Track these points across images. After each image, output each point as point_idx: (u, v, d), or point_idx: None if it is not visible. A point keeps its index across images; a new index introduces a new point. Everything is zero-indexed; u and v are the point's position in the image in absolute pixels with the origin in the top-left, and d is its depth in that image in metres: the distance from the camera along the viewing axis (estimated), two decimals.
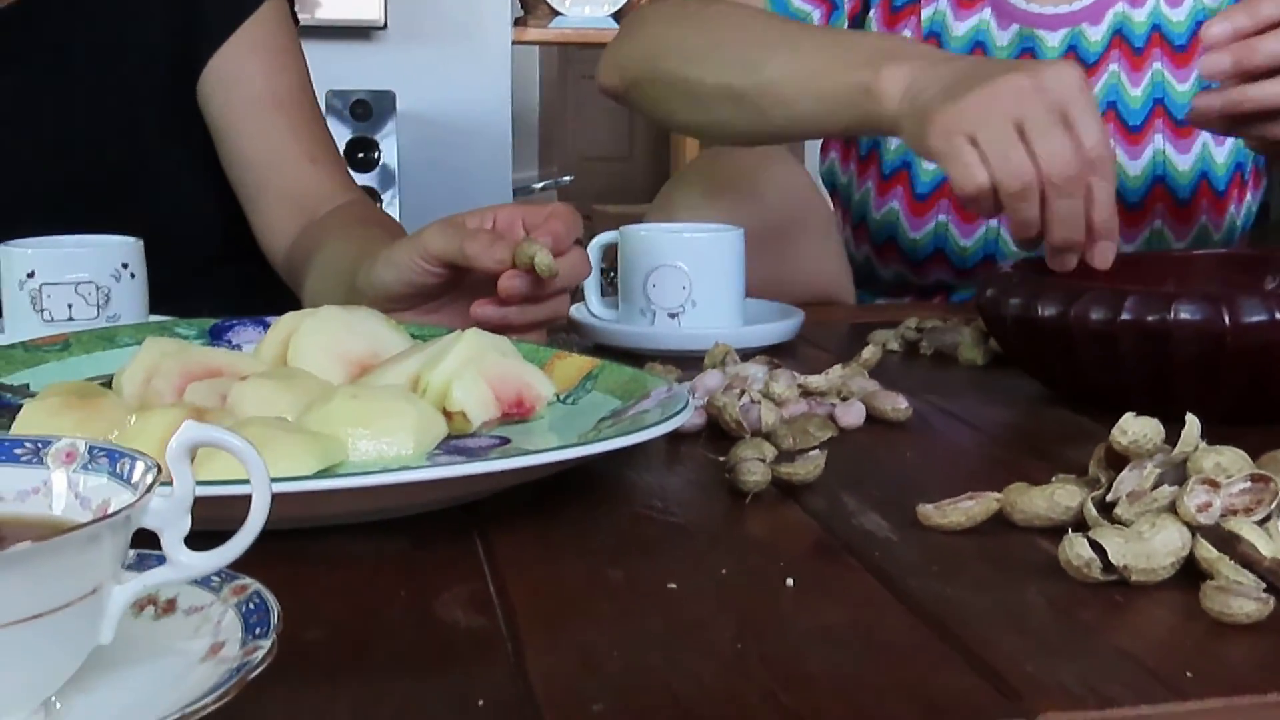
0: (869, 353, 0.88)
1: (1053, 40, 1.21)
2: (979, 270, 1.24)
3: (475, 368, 0.73)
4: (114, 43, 1.20)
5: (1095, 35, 1.21)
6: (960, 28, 1.22)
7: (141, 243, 0.96)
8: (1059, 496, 0.59)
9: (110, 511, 0.37)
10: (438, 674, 0.46)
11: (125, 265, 0.94)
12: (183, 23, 1.20)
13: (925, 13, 1.22)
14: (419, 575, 0.55)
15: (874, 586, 0.54)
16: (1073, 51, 1.21)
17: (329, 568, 0.56)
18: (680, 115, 1.14)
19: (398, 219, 3.11)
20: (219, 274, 1.31)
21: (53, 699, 0.40)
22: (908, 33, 1.22)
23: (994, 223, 1.22)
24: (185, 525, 0.39)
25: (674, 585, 0.53)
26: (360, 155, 3.06)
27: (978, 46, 1.22)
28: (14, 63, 1.17)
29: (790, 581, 0.54)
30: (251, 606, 0.42)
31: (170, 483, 0.41)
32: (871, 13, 1.23)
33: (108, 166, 1.22)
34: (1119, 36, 1.21)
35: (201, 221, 1.28)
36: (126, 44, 1.20)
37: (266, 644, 0.39)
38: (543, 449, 0.65)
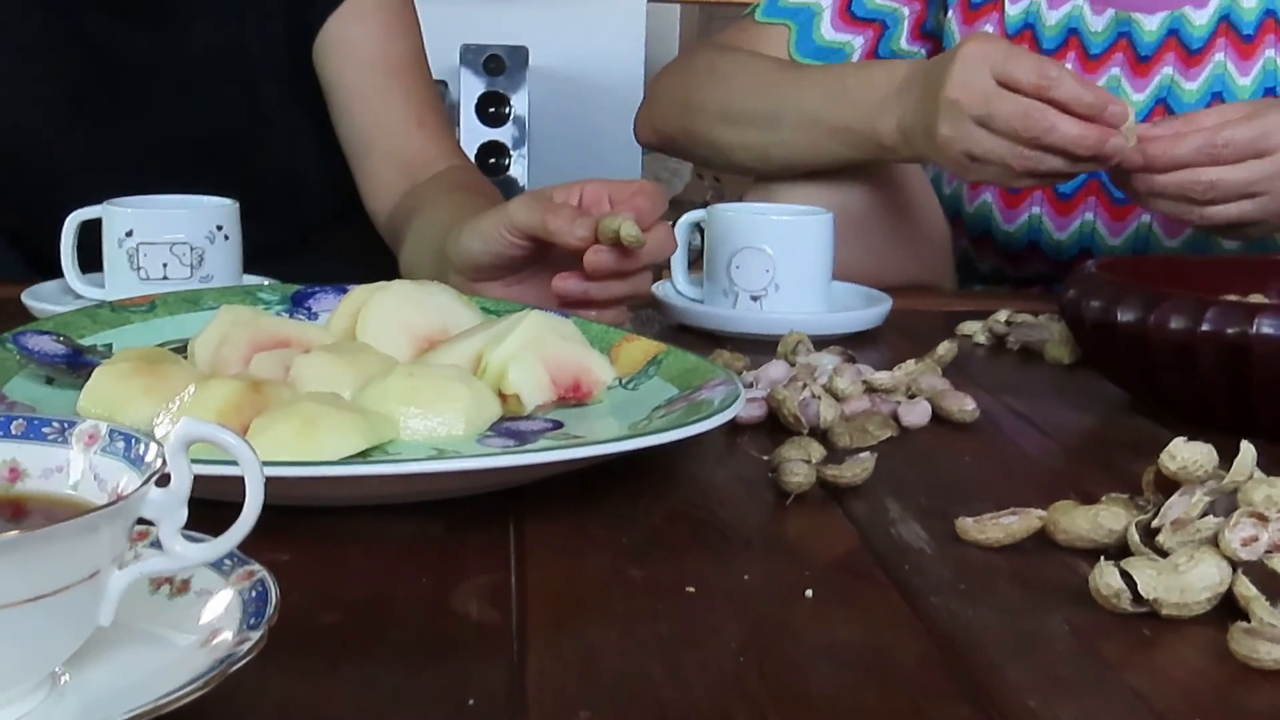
0: (944, 349, 0.86)
1: (1151, 24, 1.16)
2: (1075, 262, 1.21)
3: (533, 351, 0.73)
4: (235, 5, 1.23)
5: (1200, 19, 1.15)
6: (1053, 15, 1.18)
7: (236, 205, 0.99)
8: (1103, 518, 0.58)
9: (110, 501, 0.38)
10: (437, 668, 0.47)
11: (220, 227, 0.96)
12: None
13: (1015, 8, 1.19)
14: (445, 562, 0.56)
15: (894, 603, 0.53)
16: (1173, 36, 1.15)
17: (359, 548, 0.57)
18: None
19: (526, 174, 3.15)
20: (336, 234, 1.34)
21: (61, 674, 0.42)
22: (989, 28, 1.19)
23: (1089, 215, 1.19)
24: (182, 516, 0.41)
25: (692, 589, 0.53)
26: (491, 110, 3.09)
27: (1071, 34, 1.18)
28: (141, 23, 1.21)
29: (809, 593, 0.53)
30: (254, 594, 0.44)
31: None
32: (950, 12, 1.22)
33: (227, 127, 1.25)
34: (1226, 23, 1.15)
35: (317, 182, 1.31)
36: (246, 6, 1.23)
37: (255, 635, 0.40)
38: (585, 440, 0.66)
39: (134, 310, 0.83)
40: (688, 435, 0.62)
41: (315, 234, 1.31)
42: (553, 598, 0.52)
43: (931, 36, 1.26)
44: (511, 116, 3.11)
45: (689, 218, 1.05)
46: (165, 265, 0.95)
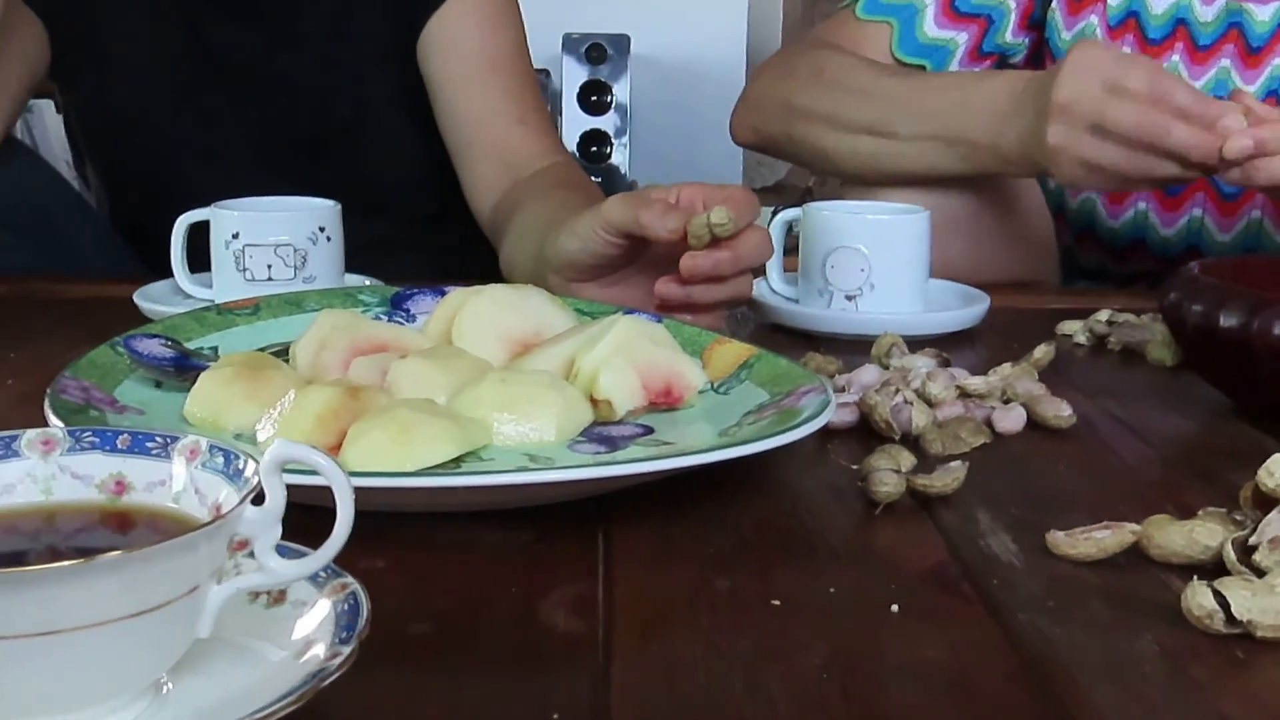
0: (1041, 352, 0.85)
1: (1263, 14, 1.13)
2: (1182, 260, 1.18)
3: (624, 356, 0.74)
4: (342, 3, 1.25)
5: None
6: (1160, 5, 1.16)
7: (338, 206, 1.01)
8: (1199, 534, 0.57)
9: (210, 519, 0.40)
10: (523, 680, 0.48)
11: (322, 229, 0.98)
12: None
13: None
14: (535, 571, 0.57)
15: (981, 620, 0.53)
16: None
17: (451, 555, 0.58)
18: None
19: (628, 163, 3.16)
20: (439, 230, 1.36)
21: (164, 683, 0.44)
22: (1094, 18, 1.17)
23: (1197, 211, 1.17)
24: (276, 534, 0.42)
25: (778, 602, 0.54)
26: (593, 98, 3.10)
27: (1180, 24, 1.15)
28: (252, 22, 1.24)
29: (895, 608, 0.53)
30: (346, 608, 0.45)
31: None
32: (1054, 3, 1.20)
33: (333, 124, 1.28)
34: None
35: (420, 178, 1.33)
36: (353, 4, 1.25)
37: (346, 650, 0.42)
38: (676, 449, 0.66)
39: (239, 313, 0.85)
40: (777, 445, 0.62)
41: (418, 230, 1.33)
42: (638, 609, 0.53)
43: (1036, 26, 1.24)
44: (613, 105, 3.12)
45: (783, 216, 1.05)
46: (270, 266, 0.97)
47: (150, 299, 1.00)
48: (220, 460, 0.46)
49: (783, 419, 0.68)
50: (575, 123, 3.06)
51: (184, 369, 0.78)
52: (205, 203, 1.00)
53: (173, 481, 0.47)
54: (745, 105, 1.25)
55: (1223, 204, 1.16)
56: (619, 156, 3.09)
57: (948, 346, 0.91)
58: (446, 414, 0.67)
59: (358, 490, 0.43)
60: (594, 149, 3.07)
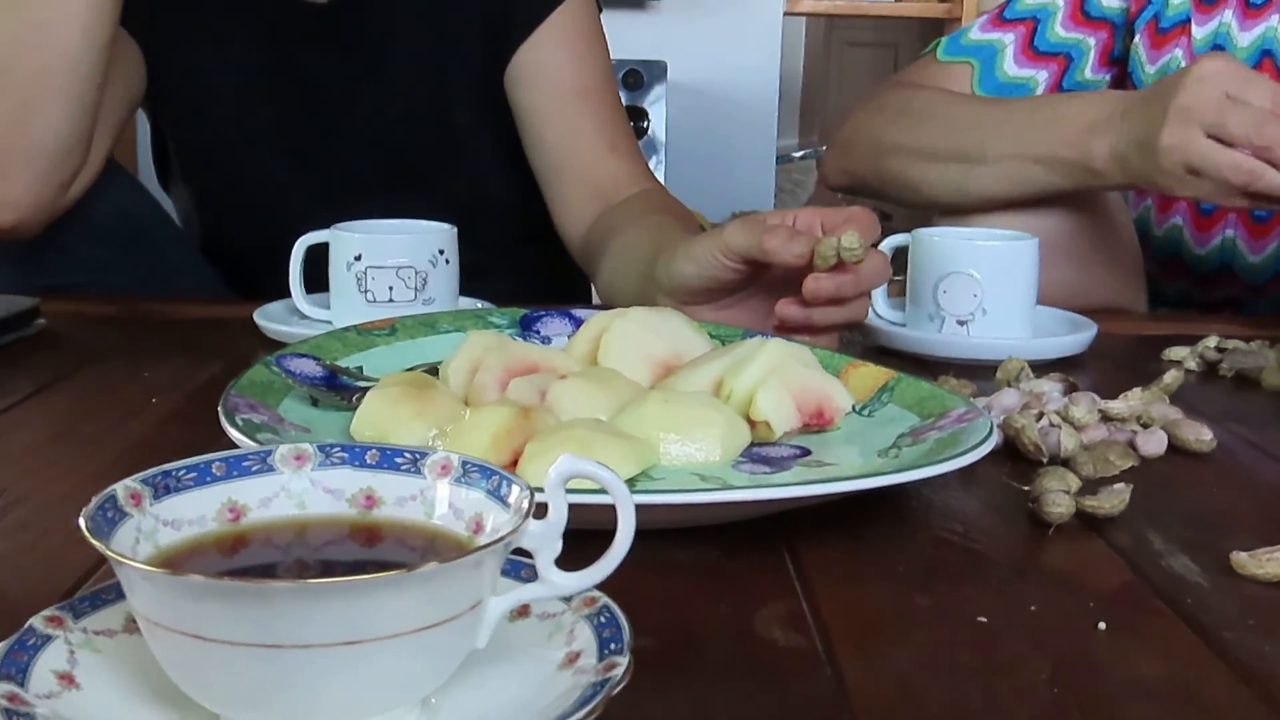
0: (1170, 377, 0.86)
1: None
2: (1271, 287, 1.20)
3: (779, 378, 0.75)
4: (431, 32, 1.27)
5: None
6: (1246, 38, 1.17)
7: (455, 230, 1.02)
8: None
9: (499, 536, 0.41)
10: (766, 691, 0.49)
11: (441, 252, 1.00)
12: (495, 13, 1.25)
13: (1202, 31, 1.18)
14: (734, 587, 0.58)
15: (1188, 638, 0.54)
16: None
17: (652, 574, 0.59)
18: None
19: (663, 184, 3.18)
20: (520, 253, 1.37)
21: (430, 696, 0.45)
22: (1178, 51, 1.19)
23: None
24: (557, 547, 0.43)
25: (984, 619, 0.55)
26: (630, 123, 3.12)
27: (1266, 55, 1.17)
28: (343, 52, 1.25)
29: (1102, 625, 0.54)
30: (603, 620, 0.46)
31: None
32: (1137, 39, 1.22)
33: (422, 151, 1.29)
34: None
35: (506, 205, 1.35)
36: (443, 34, 1.27)
37: (624, 660, 0.43)
38: (858, 473, 0.67)
39: (377, 334, 0.87)
40: (959, 466, 0.63)
41: (506, 254, 1.35)
42: (849, 624, 0.54)
43: (1117, 63, 1.26)
44: (649, 129, 3.14)
45: (891, 241, 1.06)
46: (391, 288, 0.98)
47: (270, 319, 1.02)
48: (477, 476, 0.47)
49: (948, 443, 0.69)
50: None
51: (335, 387, 0.79)
52: (296, 229, 1.01)
53: (425, 497, 0.48)
54: (835, 149, 1.27)
55: None
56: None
57: (1058, 372, 0.92)
58: (621, 434, 0.68)
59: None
60: None
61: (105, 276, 1.21)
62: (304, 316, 1.02)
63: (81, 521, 0.41)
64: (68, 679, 0.43)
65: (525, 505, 0.43)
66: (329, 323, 1.01)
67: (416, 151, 1.30)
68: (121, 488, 0.44)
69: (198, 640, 0.40)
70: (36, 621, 0.45)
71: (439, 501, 0.47)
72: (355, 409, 0.76)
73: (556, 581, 0.43)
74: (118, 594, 0.47)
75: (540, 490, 0.44)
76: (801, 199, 5.14)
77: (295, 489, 0.48)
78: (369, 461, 0.49)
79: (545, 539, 0.43)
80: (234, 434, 0.66)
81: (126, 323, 1.08)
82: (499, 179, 1.33)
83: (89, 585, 0.57)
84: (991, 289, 0.99)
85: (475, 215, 1.33)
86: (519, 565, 0.47)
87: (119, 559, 0.39)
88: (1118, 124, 1.03)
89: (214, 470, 0.47)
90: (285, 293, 1.03)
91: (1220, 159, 0.96)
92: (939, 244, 1.01)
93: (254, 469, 0.48)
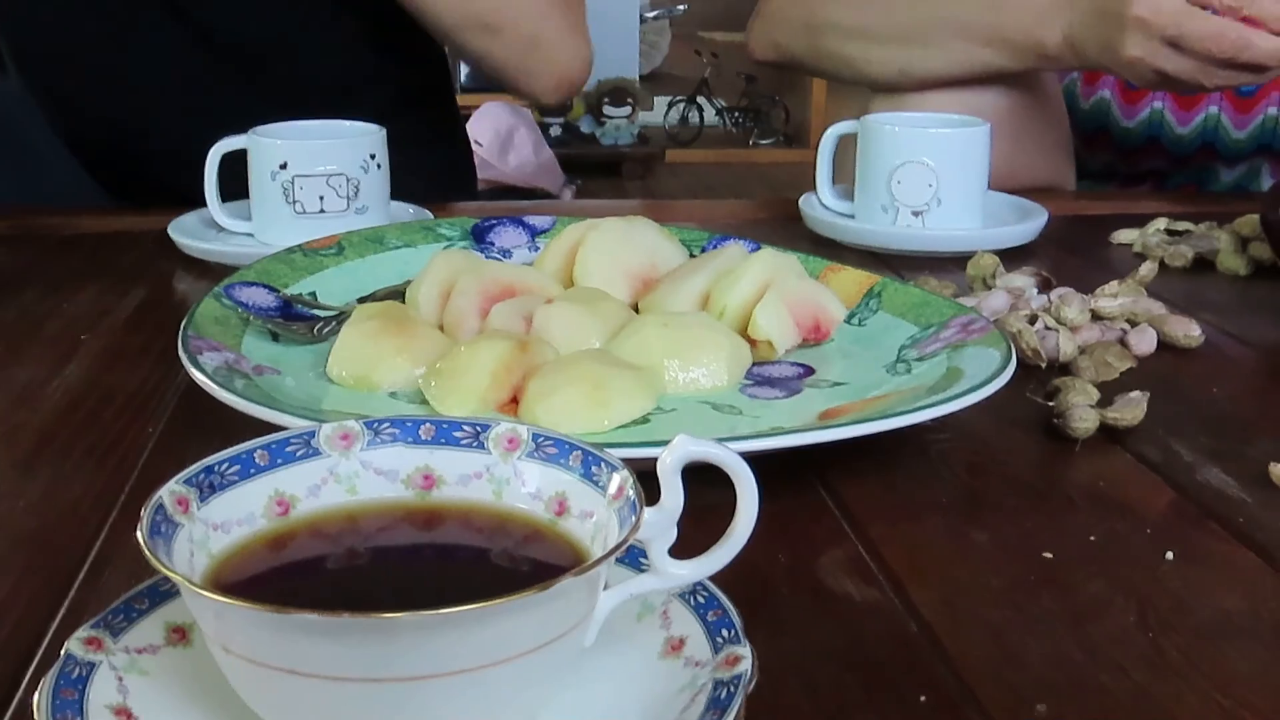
0: (1146, 269, 0.85)
1: None
2: (1196, 159, 1.20)
3: (776, 292, 0.71)
4: None
5: None
6: None
7: (385, 131, 0.95)
8: None
9: (627, 535, 0.37)
10: (862, 659, 0.46)
11: (373, 156, 0.93)
12: None
13: None
14: (786, 533, 0.55)
15: (1256, 565, 0.53)
16: None
17: (692, 520, 0.56)
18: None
19: None
20: (395, 125, 1.28)
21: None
22: None
23: (1213, 109, 1.18)
24: (672, 536, 0.39)
25: (1049, 555, 0.53)
26: None
27: None
28: None
29: (1170, 555, 0.53)
30: (700, 600, 0.42)
31: None
32: None
33: (274, 32, 1.19)
34: None
35: (369, 76, 1.24)
36: None
37: (746, 653, 0.39)
38: (876, 393, 0.64)
39: (324, 253, 0.80)
40: (994, 391, 0.61)
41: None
42: (915, 569, 0.52)
43: None
44: None
45: (836, 130, 1.03)
46: (322, 198, 0.91)
47: (186, 234, 0.94)
48: (552, 449, 0.43)
49: (963, 358, 0.66)
50: None
51: (292, 317, 0.73)
52: (158, 123, 0.91)
53: (493, 475, 0.43)
54: (762, 21, 1.22)
55: (1238, 100, 1.17)
56: None
57: (1011, 261, 0.90)
58: (629, 366, 0.64)
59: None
60: None
61: None
62: (223, 229, 0.94)
63: (145, 550, 0.35)
64: (125, 713, 0.38)
65: (631, 492, 0.39)
66: (250, 235, 0.94)
67: (268, 32, 1.19)
68: (167, 494, 0.39)
69: (291, 674, 0.35)
70: (74, 647, 0.39)
71: (510, 480, 0.43)
72: (319, 341, 0.71)
73: (673, 572, 0.39)
74: (150, 600, 0.42)
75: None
76: (657, 61, 5.05)
77: (344, 473, 0.43)
78: (423, 437, 0.44)
79: (660, 528, 0.39)
80: (225, 394, 0.59)
81: (23, 242, 0.98)
82: (356, 51, 1.23)
83: (82, 572, 0.51)
84: (947, 178, 0.97)
85: (336, 95, 1.24)
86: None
87: (224, 602, 0.34)
88: (1071, 8, 1.00)
89: (257, 459, 0.42)
90: (152, 186, 0.94)
91: (1189, 68, 0.94)
92: (892, 133, 0.98)
93: (299, 454, 0.43)
